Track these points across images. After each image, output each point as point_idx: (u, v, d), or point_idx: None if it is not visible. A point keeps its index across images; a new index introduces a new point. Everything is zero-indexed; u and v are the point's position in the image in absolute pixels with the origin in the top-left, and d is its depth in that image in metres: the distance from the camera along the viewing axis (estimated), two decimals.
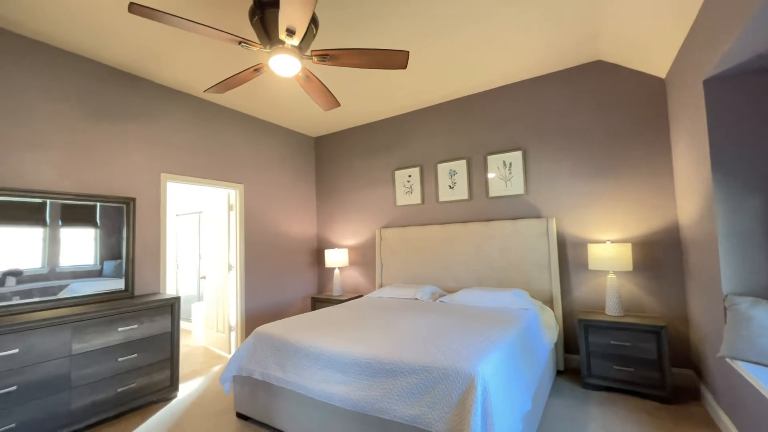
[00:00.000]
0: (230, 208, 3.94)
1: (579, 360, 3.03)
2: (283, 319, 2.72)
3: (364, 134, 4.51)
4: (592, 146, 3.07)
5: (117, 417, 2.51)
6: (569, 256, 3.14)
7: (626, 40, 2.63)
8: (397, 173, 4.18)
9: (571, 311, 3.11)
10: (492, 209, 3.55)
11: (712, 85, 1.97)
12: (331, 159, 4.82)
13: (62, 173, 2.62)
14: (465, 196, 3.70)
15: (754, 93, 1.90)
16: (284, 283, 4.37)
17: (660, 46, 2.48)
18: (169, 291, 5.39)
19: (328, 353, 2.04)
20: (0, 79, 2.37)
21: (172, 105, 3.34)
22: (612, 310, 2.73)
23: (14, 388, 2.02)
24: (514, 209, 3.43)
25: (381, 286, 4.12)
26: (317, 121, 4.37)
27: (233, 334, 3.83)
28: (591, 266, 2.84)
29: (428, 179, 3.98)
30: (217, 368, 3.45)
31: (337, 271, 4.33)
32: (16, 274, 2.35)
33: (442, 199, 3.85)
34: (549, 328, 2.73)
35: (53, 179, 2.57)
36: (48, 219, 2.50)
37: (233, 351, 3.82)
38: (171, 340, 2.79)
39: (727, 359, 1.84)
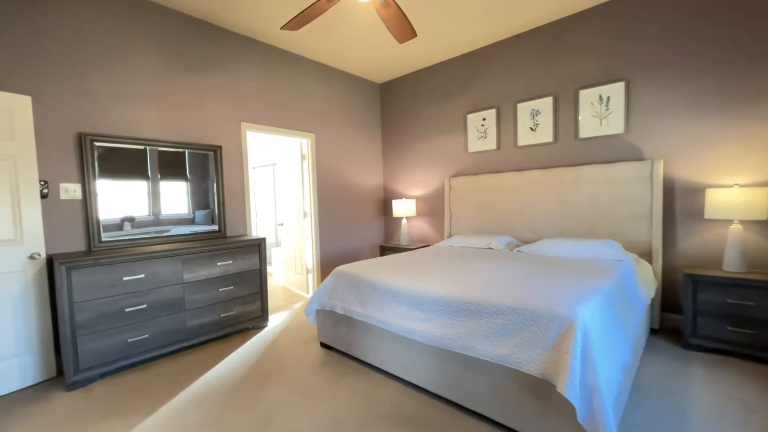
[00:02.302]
0: (303, 157, 4.06)
1: (679, 319, 2.73)
2: (359, 261, 2.81)
3: (432, 77, 4.21)
4: (720, 70, 2.49)
5: (222, 338, 2.90)
6: (676, 203, 2.71)
7: None
8: (470, 117, 3.89)
9: (673, 266, 2.75)
10: (581, 152, 3.16)
11: None
12: (397, 106, 4.64)
13: (157, 122, 2.86)
14: (549, 139, 3.33)
15: None
16: (354, 231, 4.51)
17: None
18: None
19: (407, 291, 2.07)
20: (98, 36, 2.56)
21: (247, 54, 3.40)
22: (732, 266, 2.34)
23: (145, 306, 2.40)
24: (609, 151, 3.01)
25: (450, 236, 4.04)
26: (383, 65, 4.16)
27: (310, 276, 4.12)
28: (708, 215, 2.42)
29: (506, 121, 3.64)
30: (298, 305, 3.78)
31: (404, 221, 4.33)
32: (130, 220, 2.69)
33: (521, 143, 3.52)
34: (645, 283, 2.44)
35: (150, 127, 2.82)
36: (149, 172, 2.77)
37: (311, 291, 4.13)
38: (260, 276, 3.07)
39: None
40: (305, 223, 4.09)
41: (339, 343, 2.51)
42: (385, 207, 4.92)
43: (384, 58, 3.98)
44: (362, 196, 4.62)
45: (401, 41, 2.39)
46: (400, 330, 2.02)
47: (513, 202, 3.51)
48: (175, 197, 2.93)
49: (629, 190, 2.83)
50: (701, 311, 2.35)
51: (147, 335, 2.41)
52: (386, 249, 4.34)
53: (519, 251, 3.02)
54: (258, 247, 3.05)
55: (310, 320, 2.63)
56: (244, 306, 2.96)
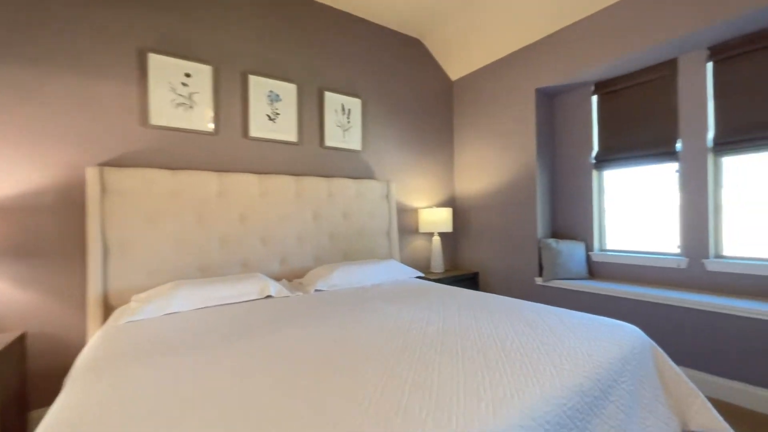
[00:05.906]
0: None
1: None
2: None
3: None
4: (414, 117, 3.23)
5: None
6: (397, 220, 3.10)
7: (443, 41, 3.10)
8: (155, 59, 2.04)
9: None
10: (328, 162, 2.71)
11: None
12: None
13: None
14: (293, 138, 2.53)
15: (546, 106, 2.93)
16: None
17: (464, 58, 3.15)
18: None
19: None
20: None
21: None
22: (437, 267, 3.04)
23: None
24: (352, 166, 2.84)
25: (105, 295, 1.80)
26: None
27: None
28: (422, 229, 3.02)
29: (228, 94, 2.30)
30: None
31: None
32: None
33: (255, 133, 2.38)
34: None
35: None
36: None
37: None
38: None
39: (545, 283, 2.73)
40: None
41: None
42: None
43: None
44: None
45: None
46: None
47: (250, 220, 2.26)
48: None
49: (375, 208, 2.83)
50: None
51: None
52: None
53: (318, 291, 2.00)
54: None
55: None
56: None
